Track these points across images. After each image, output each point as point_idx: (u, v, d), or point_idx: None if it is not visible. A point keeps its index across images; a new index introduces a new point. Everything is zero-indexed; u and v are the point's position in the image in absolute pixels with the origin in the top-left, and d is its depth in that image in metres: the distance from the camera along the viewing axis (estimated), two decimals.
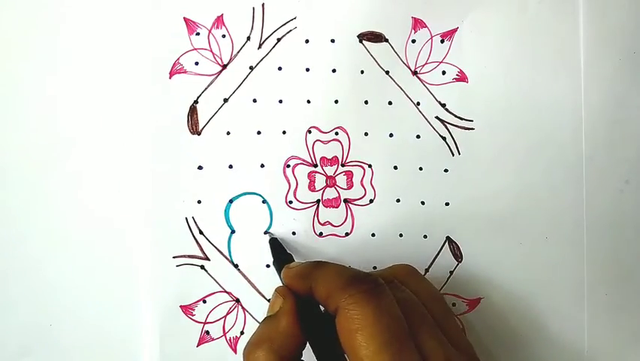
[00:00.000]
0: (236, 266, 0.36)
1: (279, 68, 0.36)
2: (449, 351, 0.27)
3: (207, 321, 0.36)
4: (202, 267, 0.36)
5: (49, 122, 0.36)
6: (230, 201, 0.36)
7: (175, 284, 0.36)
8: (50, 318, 0.36)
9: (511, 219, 0.37)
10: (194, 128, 0.36)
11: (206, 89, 0.36)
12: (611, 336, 0.37)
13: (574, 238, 0.37)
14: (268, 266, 0.36)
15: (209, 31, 0.36)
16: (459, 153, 0.37)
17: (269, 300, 0.36)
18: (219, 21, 0.36)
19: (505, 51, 0.37)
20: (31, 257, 0.36)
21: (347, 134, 0.37)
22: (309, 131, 0.36)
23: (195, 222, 0.36)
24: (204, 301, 0.36)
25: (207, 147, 0.36)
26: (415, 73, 0.37)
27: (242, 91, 0.36)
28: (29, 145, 0.36)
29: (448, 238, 0.37)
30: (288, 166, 0.36)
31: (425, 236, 0.37)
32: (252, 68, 0.36)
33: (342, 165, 0.37)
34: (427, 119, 0.37)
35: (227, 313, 0.36)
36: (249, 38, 0.36)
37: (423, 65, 0.37)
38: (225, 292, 0.36)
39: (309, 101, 0.36)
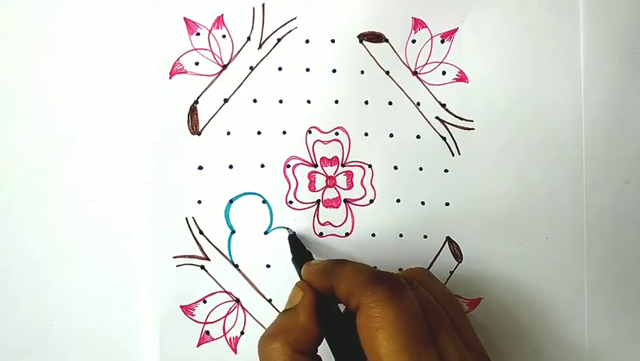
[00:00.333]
0: (236, 266, 0.36)
1: (280, 69, 0.36)
2: (464, 352, 0.27)
3: (207, 321, 0.36)
4: (202, 267, 0.36)
5: (49, 123, 0.36)
6: (231, 201, 0.36)
7: (175, 284, 0.36)
8: (50, 318, 0.36)
9: (511, 219, 0.37)
10: (195, 128, 0.36)
11: (206, 89, 0.36)
12: (611, 336, 0.37)
13: (574, 238, 0.37)
14: (268, 266, 0.36)
15: (210, 32, 0.36)
16: (459, 153, 0.37)
17: (269, 300, 0.36)
18: (219, 21, 0.36)
19: (505, 51, 0.37)
20: (31, 257, 0.36)
21: (347, 134, 0.37)
22: (310, 132, 0.36)
23: (195, 223, 0.36)
24: (204, 302, 0.36)
25: (207, 147, 0.36)
26: (415, 73, 0.37)
27: (242, 91, 0.36)
28: (29, 145, 0.36)
29: (448, 238, 0.37)
30: (288, 166, 0.36)
31: (425, 236, 0.37)
32: (252, 68, 0.36)
33: (343, 165, 0.37)
34: (427, 119, 0.37)
35: (228, 314, 0.36)
36: (249, 38, 0.36)
37: (423, 65, 0.37)
38: (225, 292, 0.36)
39: (309, 102, 0.36)
